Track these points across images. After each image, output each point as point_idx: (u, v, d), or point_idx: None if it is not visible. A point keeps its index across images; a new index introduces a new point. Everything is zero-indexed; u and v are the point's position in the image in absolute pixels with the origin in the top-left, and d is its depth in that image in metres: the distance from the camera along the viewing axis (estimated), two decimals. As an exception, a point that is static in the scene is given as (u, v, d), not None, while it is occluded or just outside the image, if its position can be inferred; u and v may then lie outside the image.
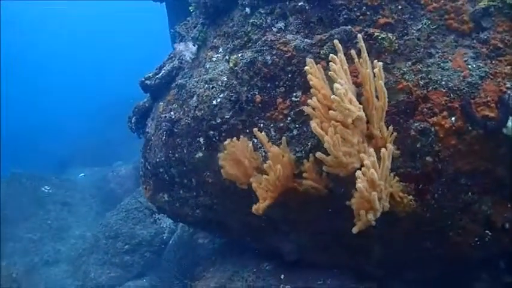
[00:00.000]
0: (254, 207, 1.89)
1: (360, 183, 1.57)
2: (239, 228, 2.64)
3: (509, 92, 1.71)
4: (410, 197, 1.93)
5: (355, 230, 1.67)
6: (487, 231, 1.94)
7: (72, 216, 6.44)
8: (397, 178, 1.92)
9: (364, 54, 1.72)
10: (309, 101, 1.69)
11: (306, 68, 1.77)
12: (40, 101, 20.61)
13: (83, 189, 7.16)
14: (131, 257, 4.85)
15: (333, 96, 1.57)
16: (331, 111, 1.61)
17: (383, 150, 1.61)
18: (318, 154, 1.73)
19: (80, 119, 13.79)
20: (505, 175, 1.81)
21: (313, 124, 1.65)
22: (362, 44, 1.71)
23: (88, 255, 5.20)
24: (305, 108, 1.79)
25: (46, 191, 6.64)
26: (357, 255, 2.42)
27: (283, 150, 2.01)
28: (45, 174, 7.32)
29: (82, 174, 8.00)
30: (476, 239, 1.98)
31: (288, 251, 2.59)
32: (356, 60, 1.74)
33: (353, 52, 1.74)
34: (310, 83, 1.70)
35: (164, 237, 4.72)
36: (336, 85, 1.57)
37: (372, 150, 1.63)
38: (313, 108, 1.71)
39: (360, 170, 1.62)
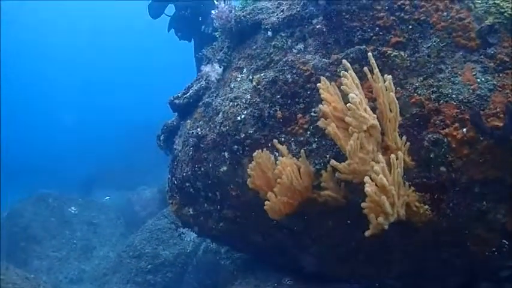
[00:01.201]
0: (267, 207, 1.99)
1: (368, 188, 1.67)
2: (261, 242, 2.74)
3: (517, 103, 1.81)
4: (426, 206, 2.01)
5: (367, 233, 1.75)
6: (504, 241, 1.98)
7: (97, 236, 6.63)
8: (412, 188, 2.02)
9: (376, 70, 1.86)
10: (320, 106, 1.84)
11: (319, 84, 1.93)
12: (68, 122, 21.13)
13: (108, 211, 7.37)
14: (154, 276, 4.95)
15: (348, 104, 1.71)
16: (347, 117, 1.74)
17: (392, 156, 1.72)
18: (332, 162, 1.84)
19: (107, 141, 14.22)
20: (518, 183, 1.87)
21: (330, 128, 1.78)
22: (373, 61, 1.86)
23: (112, 274, 5.32)
24: (320, 122, 1.92)
25: (72, 211, 6.89)
26: (376, 268, 2.47)
27: (302, 162, 2.14)
28: (72, 195, 7.59)
29: (107, 197, 8.24)
30: (494, 248, 2.02)
31: (309, 263, 2.66)
32: (369, 76, 1.89)
33: (366, 69, 1.89)
34: (322, 96, 1.85)
35: (188, 251, 4.81)
36: (351, 95, 1.71)
37: (381, 156, 1.74)
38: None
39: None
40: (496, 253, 2.03)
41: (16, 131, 20.55)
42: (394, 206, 1.78)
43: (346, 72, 1.86)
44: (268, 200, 2.11)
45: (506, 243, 2.00)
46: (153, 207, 7.01)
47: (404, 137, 1.91)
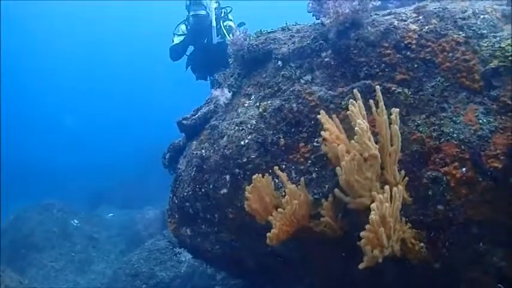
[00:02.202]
0: (268, 235, 2.00)
1: (374, 216, 1.67)
2: (255, 268, 2.71)
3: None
4: (422, 244, 1.99)
5: (361, 266, 1.74)
6: (500, 285, 1.94)
7: (96, 251, 6.62)
8: (409, 224, 2.01)
9: (381, 103, 1.90)
10: (323, 132, 1.88)
11: (319, 116, 1.99)
12: (80, 132, 21.36)
13: (110, 227, 7.38)
14: (148, 297, 4.90)
15: (356, 128, 1.75)
16: (352, 141, 1.77)
17: (394, 189, 1.73)
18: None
19: (119, 158, 14.34)
20: (517, 228, 1.85)
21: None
22: (379, 94, 1.91)
23: (106, 291, 5.28)
24: (323, 146, 1.96)
25: (75, 224, 6.92)
26: (370, 305, 2.42)
27: (301, 190, 2.15)
28: (76, 208, 7.65)
29: (111, 214, 8.27)
30: (490, 293, 1.97)
31: (302, 295, 2.61)
32: (373, 109, 1.92)
33: (371, 102, 1.93)
34: (324, 126, 1.89)
35: (182, 271, 4.76)
36: (358, 121, 1.76)
37: (387, 187, 1.75)
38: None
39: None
40: (492, 298, 1.98)
41: (27, 138, 20.96)
42: (390, 239, 1.78)
43: (353, 101, 1.90)
44: (264, 225, 2.12)
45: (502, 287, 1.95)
46: (155, 227, 7.01)
47: (402, 172, 1.92)
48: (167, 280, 5.01)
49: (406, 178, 1.93)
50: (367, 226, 1.71)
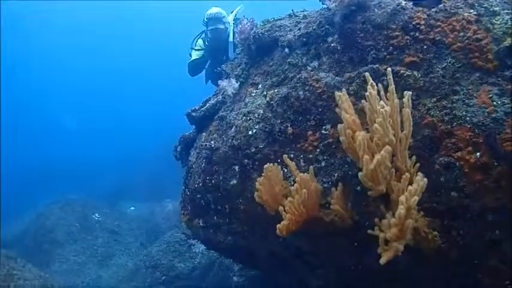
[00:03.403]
0: (278, 226, 1.97)
1: (402, 210, 1.62)
2: (268, 258, 2.70)
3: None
4: (435, 232, 1.92)
5: (383, 260, 1.68)
6: (519, 274, 1.86)
7: (118, 244, 6.77)
8: (422, 213, 1.94)
9: (392, 86, 1.82)
10: (343, 113, 1.84)
11: (338, 93, 1.90)
12: (104, 131, 21.72)
13: (131, 221, 7.53)
14: (167, 287, 4.97)
15: (380, 110, 1.69)
16: (375, 125, 1.72)
17: (419, 181, 1.66)
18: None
19: (139, 152, 14.55)
20: (535, 214, 1.76)
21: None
22: (390, 77, 1.81)
23: (127, 282, 5.39)
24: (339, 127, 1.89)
25: (96, 218, 7.07)
26: (384, 296, 2.37)
27: (310, 179, 2.11)
28: (98, 203, 7.81)
29: (132, 208, 8.41)
30: (508, 282, 1.89)
31: (316, 285, 2.58)
32: (382, 93, 1.84)
33: (380, 86, 1.85)
34: (342, 106, 1.83)
35: (196, 262, 4.81)
36: (381, 103, 1.70)
37: (407, 175, 1.69)
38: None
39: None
40: (509, 286, 1.90)
41: (44, 138, 21.47)
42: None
43: (374, 83, 1.82)
44: (274, 216, 2.09)
45: (522, 277, 1.87)
46: (174, 220, 7.08)
47: (414, 158, 1.85)
48: (186, 271, 5.07)
49: (418, 164, 1.85)
50: (392, 220, 1.65)
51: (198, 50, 4.70)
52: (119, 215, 7.63)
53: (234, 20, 4.58)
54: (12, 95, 22.18)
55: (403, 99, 1.81)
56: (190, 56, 4.77)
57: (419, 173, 1.77)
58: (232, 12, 4.68)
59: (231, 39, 4.37)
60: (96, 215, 7.21)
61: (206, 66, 4.84)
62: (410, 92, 1.84)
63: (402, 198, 1.65)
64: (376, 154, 1.74)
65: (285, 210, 2.02)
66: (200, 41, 4.75)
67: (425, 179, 1.71)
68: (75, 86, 25.76)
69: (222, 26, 4.48)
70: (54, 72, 26.36)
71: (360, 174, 1.77)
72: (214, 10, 4.57)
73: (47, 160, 17.06)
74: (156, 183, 10.34)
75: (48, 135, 22.08)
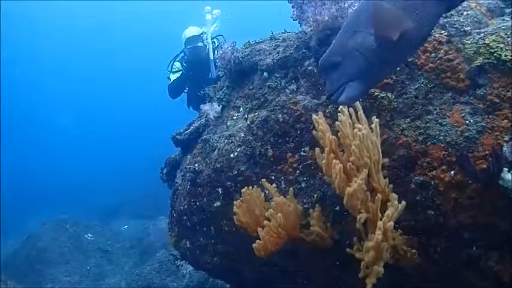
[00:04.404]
0: (255, 246, 2.01)
1: (379, 236, 1.66)
2: (254, 278, 2.71)
3: (504, 145, 1.77)
4: (414, 250, 1.95)
5: (369, 283, 1.71)
6: (497, 290, 1.88)
7: (111, 264, 6.71)
8: (400, 231, 1.97)
9: (360, 111, 1.87)
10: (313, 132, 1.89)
11: (315, 116, 1.95)
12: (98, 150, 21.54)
13: (123, 240, 7.48)
14: (159, 308, 4.93)
15: (360, 133, 1.73)
16: (353, 147, 1.77)
17: (395, 205, 1.71)
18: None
19: (133, 169, 14.47)
20: (509, 229, 1.80)
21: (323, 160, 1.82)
22: (357, 104, 1.87)
23: (120, 303, 5.34)
24: (317, 152, 1.93)
25: (89, 238, 7.03)
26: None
27: (289, 200, 2.14)
28: (90, 221, 7.76)
29: (125, 226, 8.36)
30: (487, 298, 1.92)
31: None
32: (353, 117, 1.89)
33: (351, 110, 1.90)
34: (320, 128, 1.87)
35: (193, 282, 4.79)
36: (359, 126, 1.75)
37: (379, 196, 1.73)
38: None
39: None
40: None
41: (40, 153, 21.25)
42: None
43: (343, 109, 1.87)
44: (256, 237, 2.11)
45: (501, 293, 1.89)
46: (167, 238, 7.05)
47: (386, 179, 1.89)
48: (178, 291, 5.04)
49: (391, 185, 1.88)
50: (370, 244, 1.69)
51: (176, 71, 4.66)
52: (112, 235, 7.58)
53: (212, 39, 4.59)
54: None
55: (372, 126, 1.86)
56: (169, 79, 4.71)
57: (393, 194, 1.81)
58: (210, 29, 4.64)
59: (211, 57, 4.37)
60: (89, 234, 7.17)
61: (186, 91, 4.80)
62: (378, 120, 1.90)
63: (380, 223, 1.69)
64: (353, 181, 1.78)
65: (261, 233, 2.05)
66: (177, 64, 4.70)
67: (404, 202, 1.75)
68: (70, 93, 25.55)
69: (201, 44, 4.50)
70: (44, 82, 26.18)
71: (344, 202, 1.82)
72: (191, 30, 4.57)
73: (36, 176, 16.92)
74: (150, 200, 10.28)
75: (39, 148, 21.87)
